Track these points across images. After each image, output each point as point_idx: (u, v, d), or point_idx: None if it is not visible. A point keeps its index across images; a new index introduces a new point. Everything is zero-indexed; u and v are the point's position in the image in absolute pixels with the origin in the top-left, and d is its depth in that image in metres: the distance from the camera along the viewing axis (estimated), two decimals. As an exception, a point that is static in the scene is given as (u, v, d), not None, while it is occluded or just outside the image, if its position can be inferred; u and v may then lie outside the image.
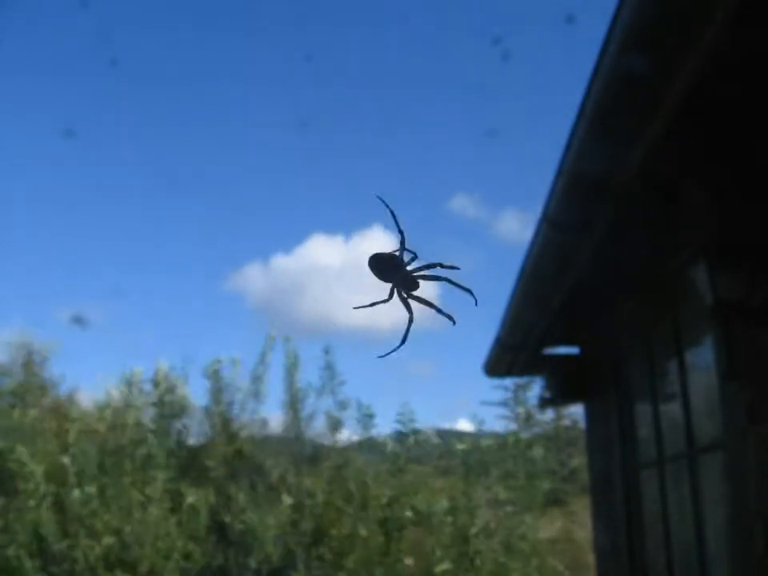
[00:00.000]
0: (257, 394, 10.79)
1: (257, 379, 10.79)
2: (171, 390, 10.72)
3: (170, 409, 10.63)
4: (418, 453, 11.05)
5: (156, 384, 10.70)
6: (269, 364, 10.86)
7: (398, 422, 10.21)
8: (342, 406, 10.35)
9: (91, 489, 9.38)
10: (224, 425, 10.69)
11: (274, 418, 11.28)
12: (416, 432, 10.25)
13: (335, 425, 10.35)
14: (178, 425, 10.78)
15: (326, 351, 10.63)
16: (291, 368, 10.64)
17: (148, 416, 10.69)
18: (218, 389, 10.82)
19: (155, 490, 9.58)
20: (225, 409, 10.81)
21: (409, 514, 9.54)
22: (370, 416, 10.18)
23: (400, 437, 10.19)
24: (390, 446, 10.21)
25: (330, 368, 10.53)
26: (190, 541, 9.55)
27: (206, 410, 10.84)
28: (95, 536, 9.23)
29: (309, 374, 10.76)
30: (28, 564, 9.16)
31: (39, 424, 10.53)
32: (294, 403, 10.55)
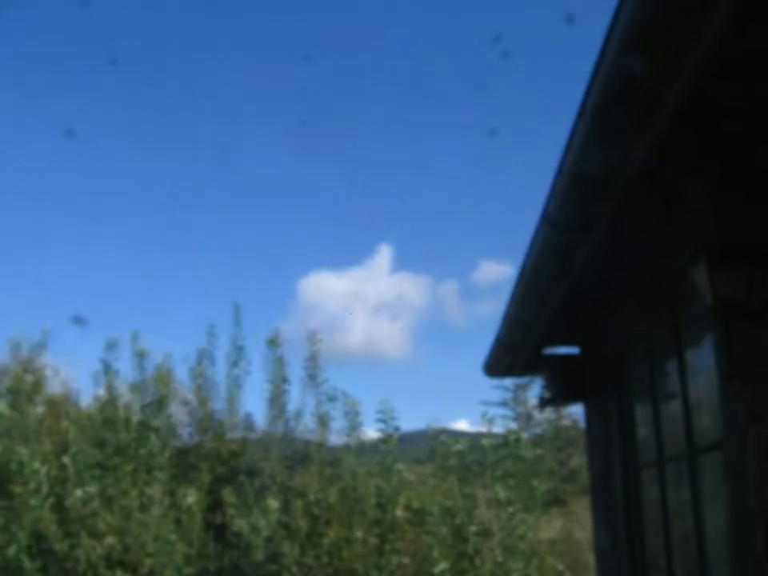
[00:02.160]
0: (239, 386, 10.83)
1: (234, 365, 10.82)
2: (162, 379, 10.69)
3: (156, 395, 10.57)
4: (418, 453, 10.99)
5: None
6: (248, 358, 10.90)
7: (380, 420, 10.12)
8: (330, 397, 10.25)
9: (92, 489, 9.36)
10: (211, 422, 10.67)
11: (261, 414, 11.28)
12: (398, 429, 10.16)
13: (323, 419, 10.24)
14: (169, 417, 10.76)
15: (312, 342, 10.51)
16: (277, 363, 10.58)
17: (139, 401, 10.66)
18: (203, 384, 10.82)
19: (155, 490, 9.56)
20: (211, 407, 10.80)
21: (400, 513, 9.48)
22: (356, 411, 10.09)
23: (384, 436, 10.09)
24: (380, 445, 10.11)
25: (313, 359, 10.42)
26: (189, 542, 9.53)
27: (191, 407, 10.86)
28: (97, 536, 9.22)
29: (296, 376, 10.72)
30: (28, 564, 9.16)
31: (38, 425, 10.52)
32: (278, 397, 10.47)
